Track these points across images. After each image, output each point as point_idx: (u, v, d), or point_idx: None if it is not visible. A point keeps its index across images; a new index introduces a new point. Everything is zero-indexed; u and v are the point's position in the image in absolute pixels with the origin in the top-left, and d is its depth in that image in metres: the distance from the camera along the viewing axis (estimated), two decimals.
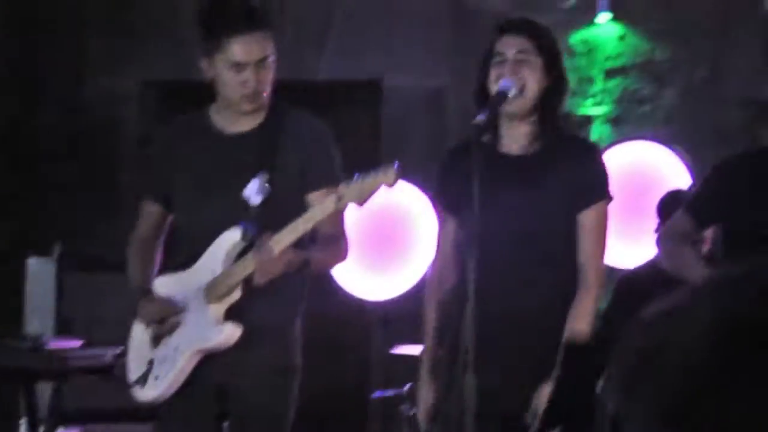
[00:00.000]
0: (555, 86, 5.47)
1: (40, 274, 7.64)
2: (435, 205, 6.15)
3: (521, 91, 5.31)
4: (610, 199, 5.55)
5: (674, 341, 1.43)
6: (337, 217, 5.75)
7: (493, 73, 5.35)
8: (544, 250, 5.49)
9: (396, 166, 5.48)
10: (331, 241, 5.82)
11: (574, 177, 5.54)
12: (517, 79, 5.33)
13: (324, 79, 9.12)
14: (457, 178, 5.50)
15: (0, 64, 8.82)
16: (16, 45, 8.93)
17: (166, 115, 7.94)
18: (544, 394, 5.15)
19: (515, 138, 5.52)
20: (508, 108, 5.45)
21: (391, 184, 5.48)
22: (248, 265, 5.61)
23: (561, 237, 5.55)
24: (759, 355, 1.37)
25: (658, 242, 6.50)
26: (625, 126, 8.51)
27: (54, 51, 9.19)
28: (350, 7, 9.23)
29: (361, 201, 5.44)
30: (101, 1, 9.49)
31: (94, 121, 9.17)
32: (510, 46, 5.36)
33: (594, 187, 5.55)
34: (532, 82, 5.32)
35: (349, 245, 6.01)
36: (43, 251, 7.80)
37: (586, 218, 5.47)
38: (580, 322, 5.33)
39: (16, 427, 7.24)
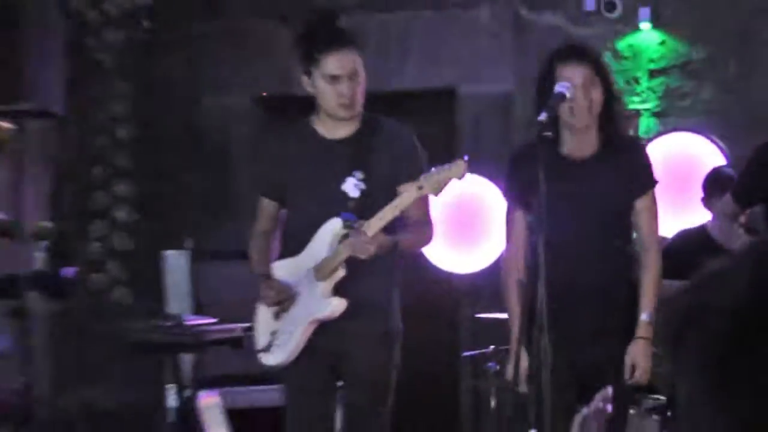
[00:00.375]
0: (610, 102, 5.94)
1: (176, 264, 7.99)
2: (505, 198, 6.35)
3: (590, 109, 5.78)
4: (656, 183, 6.04)
5: (717, 299, 1.49)
6: (423, 205, 6.12)
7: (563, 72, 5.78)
8: (609, 229, 5.94)
9: (465, 159, 5.92)
10: (418, 226, 6.18)
11: (628, 171, 6.03)
12: (586, 99, 5.77)
13: (406, 89, 9.24)
14: (523, 175, 5.80)
15: (132, 87, 8.69)
16: (145, 71, 8.90)
17: (272, 126, 8.44)
18: (635, 350, 5.62)
19: (579, 145, 5.97)
20: (575, 121, 5.87)
21: (461, 176, 5.89)
22: (348, 248, 5.99)
23: (617, 220, 6.02)
24: None
25: (713, 214, 7.23)
26: (668, 119, 8.63)
27: (175, 74, 9.20)
28: (426, 24, 9.32)
29: (437, 191, 5.91)
30: (215, 31, 9.29)
31: (212, 137, 9.30)
32: (577, 74, 5.75)
33: (645, 178, 6.05)
34: (597, 102, 5.79)
35: (434, 230, 6.34)
36: (177, 246, 8.10)
37: (643, 203, 5.98)
38: (652, 291, 5.78)
39: (165, 392, 7.33)
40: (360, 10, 9.12)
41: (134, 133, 8.68)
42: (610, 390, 2.51)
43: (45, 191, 7.34)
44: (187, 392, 7.38)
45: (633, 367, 5.67)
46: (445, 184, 5.96)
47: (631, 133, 6.45)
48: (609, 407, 2.45)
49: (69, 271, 6.98)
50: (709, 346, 1.44)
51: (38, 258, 6.97)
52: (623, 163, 6.11)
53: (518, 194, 6.01)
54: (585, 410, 2.38)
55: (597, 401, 2.42)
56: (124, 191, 8.47)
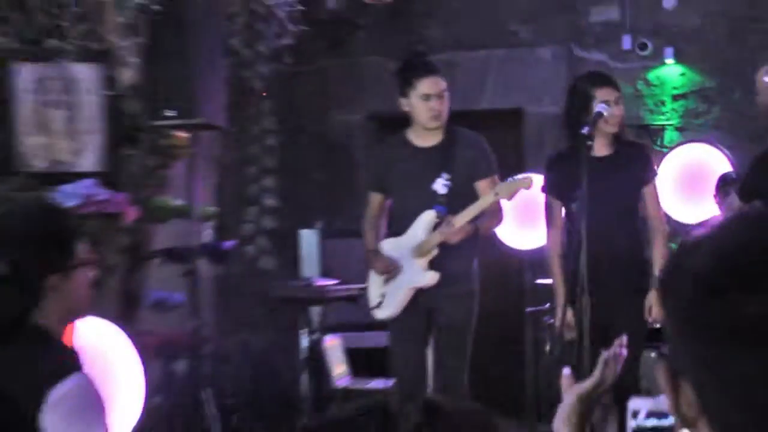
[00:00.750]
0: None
1: (309, 240, 8.13)
2: (545, 192, 6.32)
3: (620, 121, 6.07)
4: (656, 175, 6.30)
5: (688, 262, 1.44)
6: (496, 203, 6.19)
7: (598, 94, 5.94)
8: (625, 212, 6.03)
9: (530, 177, 6.13)
10: (491, 216, 6.29)
11: (637, 166, 6.16)
12: (618, 114, 6.01)
13: (485, 108, 9.18)
14: (559, 174, 6.02)
15: (277, 106, 8.81)
16: (287, 94, 9.03)
17: (379, 137, 8.42)
18: (651, 297, 5.75)
19: (602, 147, 6.07)
20: (609, 129, 6.03)
21: (528, 187, 6.06)
22: (440, 236, 6.11)
23: (633, 203, 6.11)
24: (756, 269, 1.36)
25: (722, 210, 7.14)
26: (686, 132, 8.56)
27: (309, 97, 9.34)
28: (501, 59, 9.21)
29: (510, 197, 6.09)
30: (340, 64, 9.34)
31: (338, 144, 9.47)
32: (613, 95, 5.97)
33: (649, 171, 6.21)
34: (623, 115, 6.13)
35: (503, 218, 6.49)
36: (310, 226, 8.22)
37: (649, 190, 6.15)
38: (661, 254, 5.89)
39: (299, 335, 7.47)
40: (450, 49, 9.12)
41: (278, 141, 8.77)
42: (625, 337, 2.47)
43: (211, 184, 7.45)
44: (316, 336, 7.44)
45: (650, 309, 5.79)
46: (516, 192, 6.07)
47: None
48: (624, 351, 2.42)
49: (228, 244, 7.09)
50: (678, 300, 1.42)
51: (206, 233, 7.09)
52: (632, 160, 6.20)
53: (556, 189, 6.13)
54: (605, 353, 2.36)
55: (615, 345, 2.41)
56: (271, 184, 8.58)
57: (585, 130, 5.69)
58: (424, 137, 6.31)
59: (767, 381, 1.33)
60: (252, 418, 6.36)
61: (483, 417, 3.88)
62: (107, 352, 5.18)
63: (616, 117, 6.05)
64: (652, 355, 6.53)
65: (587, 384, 2.28)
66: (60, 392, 2.79)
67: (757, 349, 1.33)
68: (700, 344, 1.38)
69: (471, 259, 6.32)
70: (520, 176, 6.16)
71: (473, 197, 6.16)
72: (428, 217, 6.20)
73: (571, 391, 2.24)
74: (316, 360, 7.19)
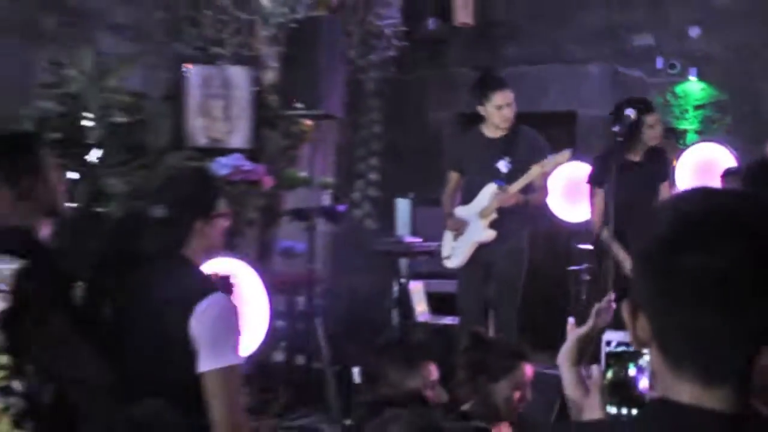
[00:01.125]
0: None
1: (403, 207, 8.20)
2: (588, 182, 6.38)
3: (658, 137, 6.24)
4: (670, 175, 6.43)
5: (654, 224, 1.44)
6: (542, 178, 6.21)
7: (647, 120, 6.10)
8: (649, 201, 5.88)
9: (570, 151, 6.11)
10: (539, 190, 6.28)
11: (659, 169, 6.27)
12: (655, 134, 6.18)
13: (546, 111, 8.99)
14: (603, 169, 5.93)
15: (384, 103, 8.85)
16: (392, 95, 8.91)
17: (460, 130, 8.36)
18: None
19: (636, 153, 6.18)
20: (652, 142, 6.22)
21: (566, 161, 6.12)
22: (498, 200, 6.10)
23: (655, 194, 6.12)
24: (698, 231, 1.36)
25: None
26: (704, 135, 8.40)
27: (411, 98, 9.17)
28: (559, 73, 9.10)
29: (552, 168, 6.16)
30: (435, 74, 9.28)
31: (430, 135, 9.36)
32: (656, 121, 6.22)
33: (666, 171, 6.35)
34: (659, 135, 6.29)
35: (548, 193, 6.52)
36: (404, 195, 8.25)
37: (664, 186, 6.25)
38: None
39: (391, 280, 7.32)
40: (521, 63, 9.03)
41: (383, 131, 8.77)
42: (613, 293, 2.49)
43: (329, 161, 7.46)
44: (404, 281, 7.36)
45: None
46: (558, 165, 6.15)
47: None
48: (614, 304, 2.44)
49: (341, 208, 7.04)
50: (644, 252, 1.42)
51: (324, 199, 7.13)
52: (655, 164, 6.27)
53: (599, 181, 6.12)
54: (597, 305, 2.38)
55: (606, 299, 2.41)
56: (375, 163, 8.55)
57: (630, 112, 5.78)
58: (493, 131, 6.28)
59: (701, 315, 1.33)
60: (351, 343, 6.40)
61: (514, 346, 3.93)
62: (244, 285, 5.13)
63: (657, 136, 6.26)
64: None
65: (584, 329, 2.25)
66: (204, 306, 2.83)
67: (697, 293, 1.33)
68: (657, 287, 1.39)
69: (522, 224, 6.27)
70: (559, 153, 6.11)
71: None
72: (491, 188, 6.17)
73: (572, 334, 2.24)
74: (403, 300, 7.13)
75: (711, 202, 1.40)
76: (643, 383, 2.32)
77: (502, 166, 6.18)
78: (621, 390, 2.31)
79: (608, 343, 2.48)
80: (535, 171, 6.04)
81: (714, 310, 1.34)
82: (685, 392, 1.38)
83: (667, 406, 1.40)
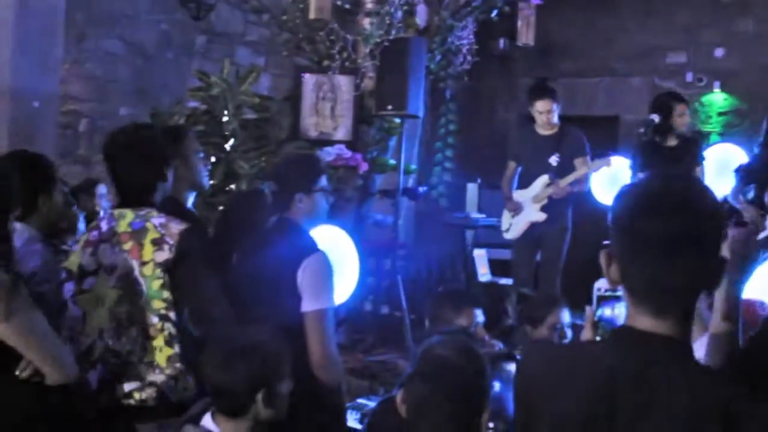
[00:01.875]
0: None
1: (472, 190, 8.13)
2: (632, 169, 6.02)
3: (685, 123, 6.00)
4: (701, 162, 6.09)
5: (624, 197, 1.51)
6: (586, 175, 6.08)
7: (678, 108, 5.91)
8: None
9: (611, 155, 6.04)
10: (582, 183, 6.13)
11: (693, 153, 6.08)
12: (683, 120, 5.99)
13: (595, 114, 8.97)
14: (643, 155, 5.81)
15: (459, 107, 8.92)
16: (466, 99, 9.16)
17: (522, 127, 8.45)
18: None
19: (672, 138, 5.97)
20: (681, 127, 5.99)
21: (609, 165, 6.00)
22: (550, 191, 6.07)
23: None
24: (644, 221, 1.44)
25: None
26: (725, 137, 8.21)
27: (482, 100, 9.33)
28: (606, 84, 9.04)
29: (596, 169, 6.04)
30: (502, 83, 9.45)
31: (496, 132, 9.42)
32: (684, 108, 6.02)
33: (698, 157, 6.10)
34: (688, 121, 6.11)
35: (589, 184, 6.28)
36: (473, 180, 8.17)
37: (696, 171, 5.94)
38: None
39: (460, 247, 7.37)
40: (574, 76, 9.03)
41: (457, 128, 8.77)
42: None
43: (413, 151, 7.22)
44: (469, 249, 7.40)
45: None
46: (601, 167, 6.02)
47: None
48: None
49: (421, 189, 7.08)
50: (615, 219, 1.51)
51: (408, 181, 7.01)
52: (689, 149, 6.09)
53: (640, 166, 5.88)
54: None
55: None
56: (450, 154, 8.54)
57: (654, 117, 5.77)
58: (543, 129, 6.21)
59: (656, 265, 1.43)
60: (425, 297, 6.46)
61: (548, 297, 3.90)
62: (341, 246, 5.06)
63: (684, 123, 6.06)
64: None
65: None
66: (309, 260, 2.86)
67: (653, 249, 1.43)
68: (625, 243, 1.49)
69: (567, 207, 6.21)
70: (605, 158, 6.06)
71: (572, 169, 6.07)
72: (544, 178, 6.13)
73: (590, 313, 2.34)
74: (469, 263, 7.06)
75: (666, 184, 1.49)
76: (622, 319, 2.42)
77: (553, 160, 6.12)
78: (605, 324, 2.39)
79: (599, 289, 2.62)
80: (582, 170, 6.02)
81: (665, 261, 1.42)
82: (643, 322, 1.46)
83: (630, 331, 1.48)
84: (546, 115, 6.12)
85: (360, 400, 4.35)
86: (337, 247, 4.86)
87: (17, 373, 2.23)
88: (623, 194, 1.53)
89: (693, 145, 6.23)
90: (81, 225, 3.29)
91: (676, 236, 1.42)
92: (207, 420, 2.28)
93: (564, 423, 1.46)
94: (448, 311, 3.35)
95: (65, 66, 6.24)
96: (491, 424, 2.10)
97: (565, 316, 3.62)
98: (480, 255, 7.23)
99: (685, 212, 1.44)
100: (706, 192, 1.50)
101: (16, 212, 2.45)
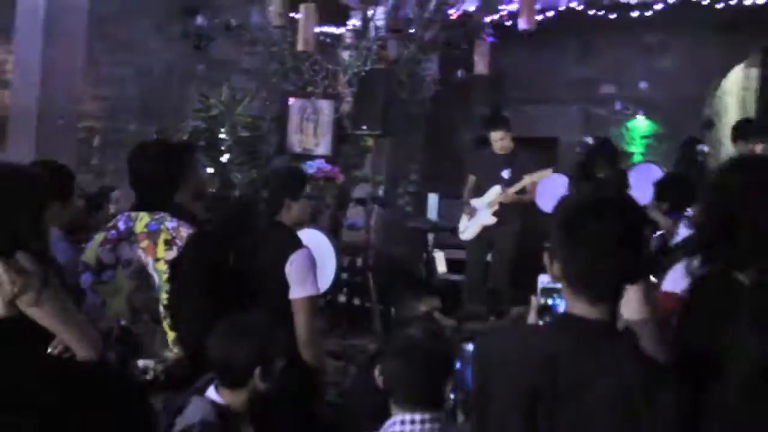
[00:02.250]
0: None
1: (432, 199, 7.91)
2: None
3: None
4: None
5: (561, 206, 1.56)
6: (531, 185, 6.02)
7: None
8: None
9: (552, 170, 6.01)
10: (528, 192, 6.05)
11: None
12: None
13: (532, 136, 8.63)
14: None
15: (425, 127, 8.45)
16: (431, 121, 9.19)
17: (481, 148, 7.93)
18: None
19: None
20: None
21: (548, 176, 5.95)
22: (500, 198, 6.06)
23: None
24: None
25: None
26: (647, 157, 8.35)
27: (444, 122, 9.08)
28: (548, 109, 9.14)
29: (538, 179, 5.98)
30: (467, 112, 9.46)
31: (454, 151, 9.28)
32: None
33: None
34: None
35: (533, 195, 6.05)
36: (434, 191, 8.06)
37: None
38: None
39: (422, 249, 7.03)
40: (522, 103, 9.08)
41: (422, 147, 8.66)
42: None
43: (383, 165, 7.21)
44: (430, 249, 7.04)
45: None
46: (542, 177, 5.97)
47: None
48: None
49: (389, 198, 7.06)
50: (556, 223, 1.55)
51: (378, 191, 6.89)
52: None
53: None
54: None
55: None
56: (415, 168, 8.17)
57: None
58: (499, 150, 6.22)
59: (590, 260, 1.48)
60: (393, 290, 6.39)
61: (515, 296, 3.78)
62: (320, 247, 5.18)
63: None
64: None
65: None
66: (296, 255, 2.89)
67: (589, 247, 1.48)
68: (565, 242, 1.53)
69: (516, 213, 6.19)
70: (544, 170, 6.07)
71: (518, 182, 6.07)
72: (497, 188, 6.14)
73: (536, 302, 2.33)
74: (430, 262, 6.95)
75: (597, 194, 1.57)
76: (562, 307, 2.46)
77: (505, 174, 6.15)
78: (549, 311, 2.41)
79: (542, 282, 2.67)
80: (526, 180, 6.03)
81: (598, 256, 1.46)
82: (580, 308, 1.50)
83: (569, 317, 1.52)
84: (499, 142, 6.16)
85: (336, 379, 4.35)
86: (318, 246, 4.88)
87: (50, 349, 2.25)
88: (564, 202, 1.58)
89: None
90: None
91: (608, 236, 1.46)
92: (211, 391, 2.30)
93: (513, 391, 1.49)
94: (411, 299, 3.41)
95: (83, 88, 6.20)
96: (452, 395, 2.13)
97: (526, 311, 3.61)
98: (439, 255, 7.15)
99: (615, 217, 1.48)
100: (631, 199, 1.56)
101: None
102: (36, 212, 2.23)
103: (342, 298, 6.33)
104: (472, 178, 6.38)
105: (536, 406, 1.46)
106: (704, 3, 7.36)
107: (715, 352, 1.54)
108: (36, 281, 2.14)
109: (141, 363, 2.63)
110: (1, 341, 2.18)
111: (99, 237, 2.87)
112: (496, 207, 6.17)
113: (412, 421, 1.97)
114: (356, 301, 6.26)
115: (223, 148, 5.72)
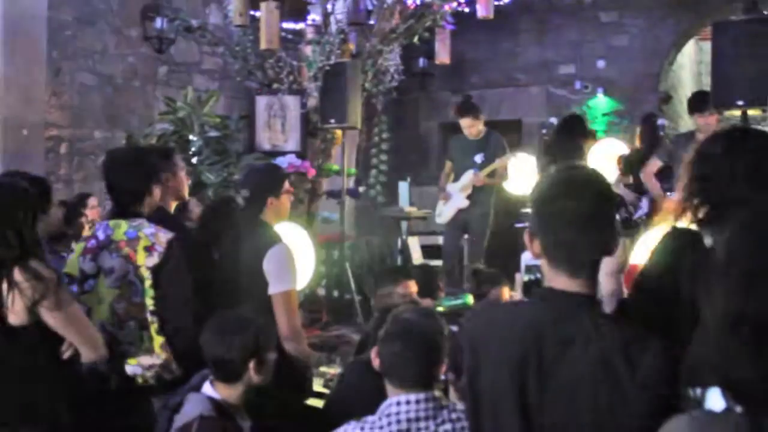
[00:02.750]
0: None
1: (403, 187, 7.48)
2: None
3: None
4: None
5: (538, 185, 1.60)
6: (502, 168, 6.18)
7: None
8: None
9: (520, 153, 6.16)
10: (500, 176, 6.28)
11: None
12: None
13: (496, 119, 8.90)
14: None
15: (390, 119, 8.84)
16: (395, 110, 9.14)
17: (448, 136, 8.17)
18: None
19: None
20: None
21: (516, 158, 6.13)
22: (473, 180, 6.18)
23: None
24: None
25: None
26: (607, 134, 8.28)
27: (408, 112, 9.36)
28: (510, 92, 9.25)
29: (505, 163, 6.15)
30: (422, 95, 9.43)
31: (421, 138, 9.53)
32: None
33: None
34: None
35: (506, 178, 6.28)
36: (404, 179, 7.69)
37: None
38: None
39: (396, 236, 7.05)
40: (483, 87, 9.24)
41: (389, 136, 8.76)
42: None
43: (353, 157, 7.13)
44: (404, 237, 7.12)
45: None
46: (509, 159, 6.17)
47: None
48: None
49: (361, 188, 7.21)
50: (533, 202, 1.60)
51: (350, 182, 6.83)
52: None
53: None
54: None
55: None
56: (384, 158, 8.49)
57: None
58: (471, 135, 6.34)
59: (568, 235, 1.52)
60: (368, 277, 6.43)
61: (496, 276, 3.81)
62: (298, 240, 4.98)
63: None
64: None
65: None
66: (273, 251, 2.92)
67: (566, 223, 1.52)
68: (543, 220, 1.58)
69: (488, 196, 6.31)
70: (513, 153, 6.23)
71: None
72: (470, 173, 6.25)
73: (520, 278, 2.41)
74: (404, 250, 7.04)
75: (570, 173, 1.60)
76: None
77: (478, 158, 6.26)
78: (533, 287, 2.47)
79: (525, 260, 2.73)
80: (496, 163, 6.17)
81: (575, 232, 1.52)
82: (560, 282, 1.55)
83: (550, 290, 1.57)
84: (469, 129, 6.29)
85: (322, 369, 4.40)
86: (295, 241, 4.87)
87: (62, 352, 2.28)
88: (541, 184, 1.62)
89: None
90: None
91: (583, 213, 1.53)
92: (207, 387, 2.35)
93: (502, 363, 1.54)
94: (388, 284, 3.40)
95: (46, 97, 6.16)
96: (444, 376, 2.19)
97: (506, 292, 3.60)
98: (413, 242, 7.23)
99: (589, 194, 1.55)
100: (601, 177, 1.61)
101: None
102: (34, 221, 2.28)
103: (321, 292, 6.35)
104: (448, 164, 6.47)
105: (525, 378, 1.51)
106: None
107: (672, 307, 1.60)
108: (53, 286, 2.20)
109: (129, 369, 2.66)
110: (27, 350, 2.20)
111: (79, 247, 2.88)
112: (469, 191, 6.28)
113: (408, 402, 2.00)
114: (335, 293, 6.32)
115: (193, 149, 5.67)
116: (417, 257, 7.20)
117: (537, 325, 1.53)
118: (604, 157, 7.72)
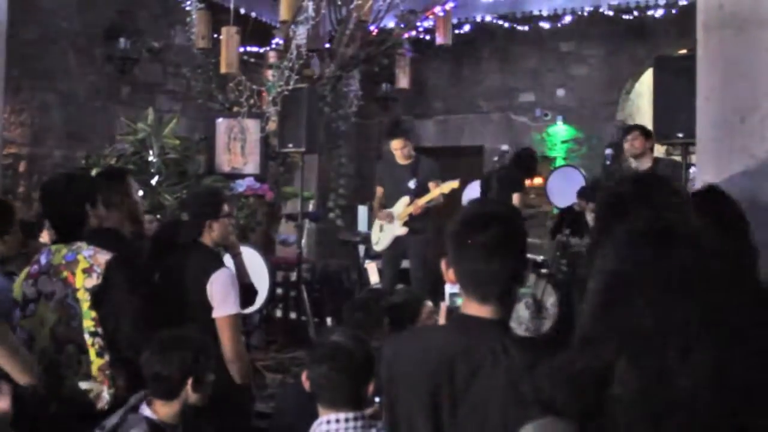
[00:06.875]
0: None
1: (362, 211, 7.82)
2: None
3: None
4: None
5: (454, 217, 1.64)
6: (439, 194, 5.95)
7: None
8: None
9: (458, 180, 5.94)
10: (436, 201, 5.94)
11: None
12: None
13: (459, 145, 9.11)
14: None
15: (352, 147, 9.13)
16: (359, 135, 9.29)
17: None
18: None
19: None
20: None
21: (456, 186, 5.92)
22: (410, 209, 5.98)
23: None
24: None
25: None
26: (567, 161, 8.46)
27: (370, 135, 9.38)
28: (471, 119, 9.23)
29: (447, 190, 5.91)
30: (385, 119, 9.97)
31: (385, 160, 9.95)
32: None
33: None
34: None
35: (441, 203, 6.01)
36: (363, 203, 7.92)
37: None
38: None
39: (354, 260, 7.04)
40: (445, 114, 9.35)
41: (348, 160, 8.67)
42: None
43: (313, 181, 7.26)
44: (362, 261, 6.99)
45: None
46: (450, 187, 5.92)
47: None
48: None
49: (320, 212, 7.12)
50: (449, 233, 1.64)
51: (309, 206, 6.98)
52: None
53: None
54: None
55: None
56: (344, 182, 8.26)
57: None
58: (403, 160, 6.16)
59: (478, 265, 1.56)
60: (327, 302, 6.32)
61: (413, 296, 3.85)
62: (254, 264, 5.06)
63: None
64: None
65: None
66: (216, 275, 2.95)
67: (476, 254, 1.56)
68: (457, 251, 1.61)
69: (425, 223, 6.11)
70: (452, 180, 6.01)
71: (427, 190, 5.99)
72: (405, 199, 6.06)
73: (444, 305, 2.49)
74: (362, 273, 6.98)
75: (484, 206, 1.70)
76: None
77: (411, 184, 6.07)
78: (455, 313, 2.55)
79: (450, 287, 2.81)
80: (435, 191, 6.00)
81: (484, 262, 1.57)
82: (472, 308, 1.60)
83: (463, 316, 1.63)
84: (400, 150, 6.08)
85: (270, 391, 4.42)
86: (251, 264, 4.87)
87: None
88: (456, 216, 1.68)
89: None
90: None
91: (489, 244, 1.59)
92: (144, 408, 2.40)
93: (417, 387, 1.60)
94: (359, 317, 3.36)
95: (5, 115, 6.16)
96: (377, 399, 2.27)
97: (427, 306, 3.47)
98: (371, 266, 7.05)
99: (494, 227, 1.61)
100: (510, 212, 1.70)
101: None
102: None
103: (278, 314, 6.32)
104: (380, 190, 6.30)
105: (439, 402, 1.56)
106: (610, 14, 7.67)
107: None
108: None
109: (84, 385, 2.67)
110: None
111: (24, 272, 2.91)
112: (406, 218, 6.10)
113: (337, 420, 2.11)
114: (292, 315, 6.27)
115: (152, 170, 5.70)
116: (374, 280, 6.89)
117: (449, 350, 1.58)
118: (563, 183, 7.69)
